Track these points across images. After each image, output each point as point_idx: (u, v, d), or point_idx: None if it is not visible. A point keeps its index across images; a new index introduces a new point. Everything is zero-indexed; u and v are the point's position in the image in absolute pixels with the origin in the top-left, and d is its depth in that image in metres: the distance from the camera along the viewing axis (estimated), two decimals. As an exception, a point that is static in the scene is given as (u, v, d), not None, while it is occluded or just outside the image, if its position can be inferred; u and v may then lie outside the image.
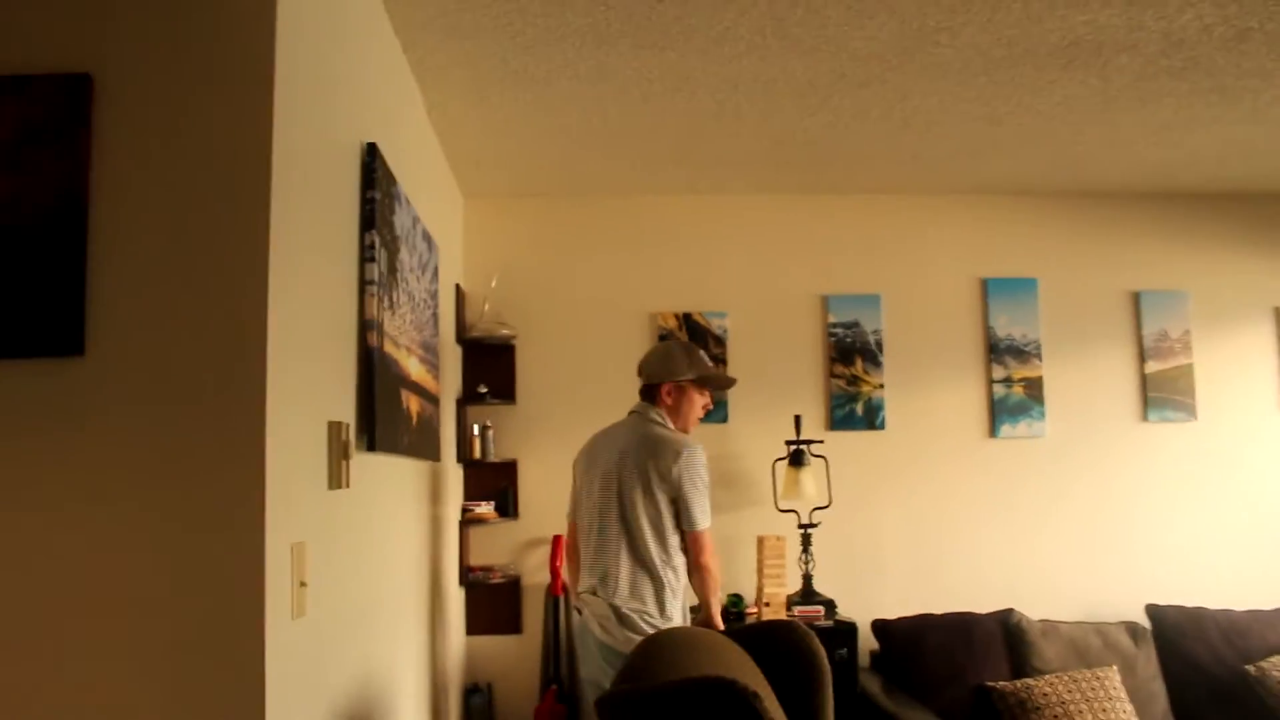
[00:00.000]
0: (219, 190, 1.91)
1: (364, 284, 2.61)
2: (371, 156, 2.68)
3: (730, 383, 3.78)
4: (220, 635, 1.81)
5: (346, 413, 2.46)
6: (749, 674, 2.41)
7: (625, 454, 3.43)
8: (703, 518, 3.37)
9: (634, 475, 3.38)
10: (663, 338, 4.84)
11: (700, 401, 3.63)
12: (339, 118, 2.50)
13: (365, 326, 2.59)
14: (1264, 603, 4.77)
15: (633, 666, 2.28)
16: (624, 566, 3.33)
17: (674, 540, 3.38)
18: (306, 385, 2.17)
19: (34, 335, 1.84)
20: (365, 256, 2.62)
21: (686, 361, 3.58)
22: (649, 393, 3.62)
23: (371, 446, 2.61)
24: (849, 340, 5.10)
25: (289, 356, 2.01)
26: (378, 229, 2.66)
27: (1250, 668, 4.40)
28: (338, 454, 2.31)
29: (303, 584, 2.04)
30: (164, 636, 1.81)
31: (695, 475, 3.37)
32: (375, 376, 2.60)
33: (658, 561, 3.33)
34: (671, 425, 3.55)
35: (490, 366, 4.89)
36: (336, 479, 2.31)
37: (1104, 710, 4.13)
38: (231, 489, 1.84)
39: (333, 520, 2.34)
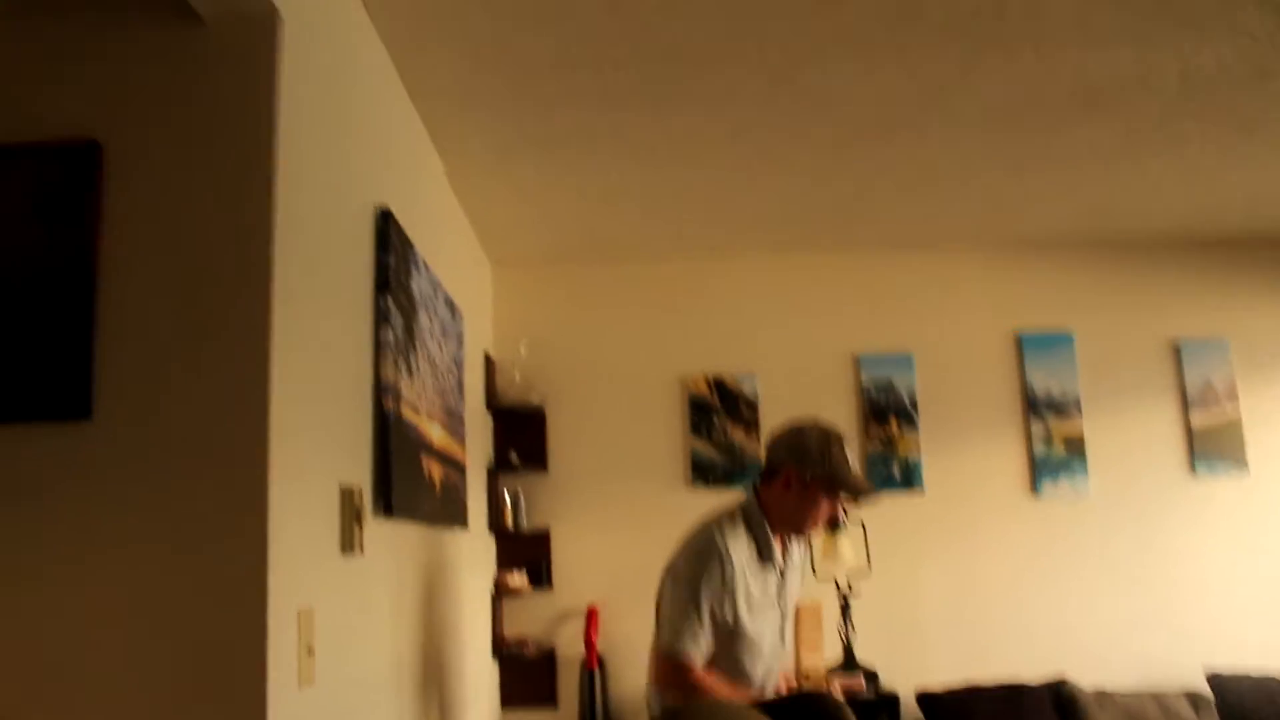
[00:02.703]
0: (222, 255, 1.92)
1: (378, 347, 2.60)
2: (385, 221, 2.68)
3: (870, 492, 2.94)
4: (222, 704, 1.77)
5: (361, 477, 2.44)
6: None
7: None
8: (669, 636, 2.72)
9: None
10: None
11: (825, 507, 2.89)
12: (350, 183, 2.51)
13: (380, 390, 2.58)
14: (1335, 666, 4.56)
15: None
16: None
17: None
18: (317, 448, 2.15)
19: (43, 399, 1.86)
20: (379, 319, 2.61)
21: (823, 451, 2.85)
22: (765, 475, 2.95)
23: (389, 511, 2.58)
24: (882, 400, 5.03)
25: (296, 419, 1.99)
26: (392, 293, 2.66)
27: (1323, 737, 4.20)
28: (349, 518, 2.28)
29: (310, 651, 1.99)
30: (167, 705, 1.77)
31: (680, 581, 2.79)
32: (391, 440, 2.57)
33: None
34: (769, 519, 2.91)
35: (521, 435, 4.87)
36: (349, 543, 2.28)
37: (1166, 782, 3.96)
38: (233, 553, 1.82)
39: (346, 586, 2.31)
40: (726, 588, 2.74)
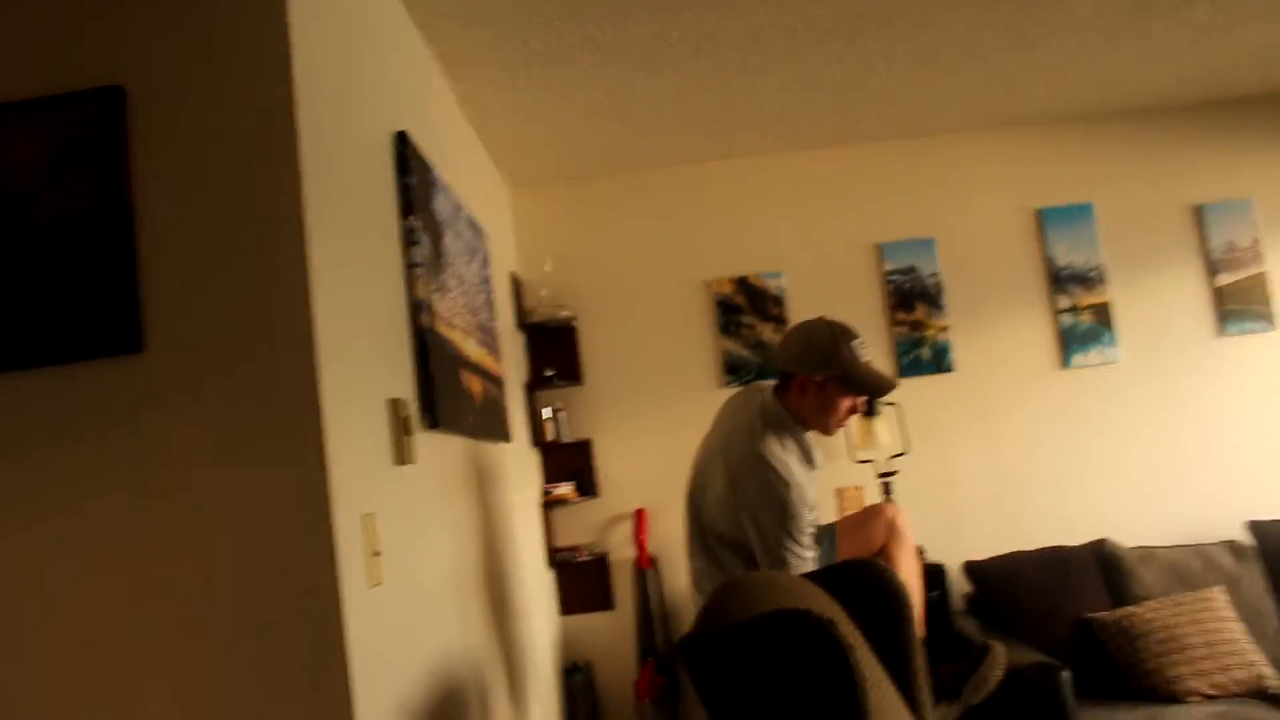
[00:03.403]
0: (253, 185, 2.00)
1: (409, 267, 2.68)
2: (403, 144, 2.74)
3: (887, 387, 2.92)
4: (299, 605, 1.89)
5: (405, 391, 2.53)
6: (826, 608, 2.42)
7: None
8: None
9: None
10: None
11: (845, 404, 2.90)
12: (366, 110, 2.57)
13: (415, 307, 2.66)
14: (1371, 507, 4.61)
15: (710, 609, 2.30)
16: None
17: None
18: (362, 365, 2.24)
19: (95, 337, 1.95)
20: (408, 240, 2.69)
21: (831, 352, 2.85)
22: (780, 382, 2.99)
23: (434, 424, 2.68)
24: (907, 286, 5.07)
25: (340, 339, 2.08)
26: (417, 213, 2.73)
27: (1368, 574, 4.26)
28: (399, 430, 2.38)
29: (376, 553, 2.11)
30: (243, 611, 1.89)
31: (766, 526, 2.82)
32: (430, 355, 2.66)
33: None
34: (801, 421, 2.95)
35: (554, 350, 4.97)
36: (400, 455, 2.38)
37: (1213, 631, 4.01)
38: (295, 466, 1.92)
39: (402, 495, 2.41)
40: (808, 506, 2.83)
